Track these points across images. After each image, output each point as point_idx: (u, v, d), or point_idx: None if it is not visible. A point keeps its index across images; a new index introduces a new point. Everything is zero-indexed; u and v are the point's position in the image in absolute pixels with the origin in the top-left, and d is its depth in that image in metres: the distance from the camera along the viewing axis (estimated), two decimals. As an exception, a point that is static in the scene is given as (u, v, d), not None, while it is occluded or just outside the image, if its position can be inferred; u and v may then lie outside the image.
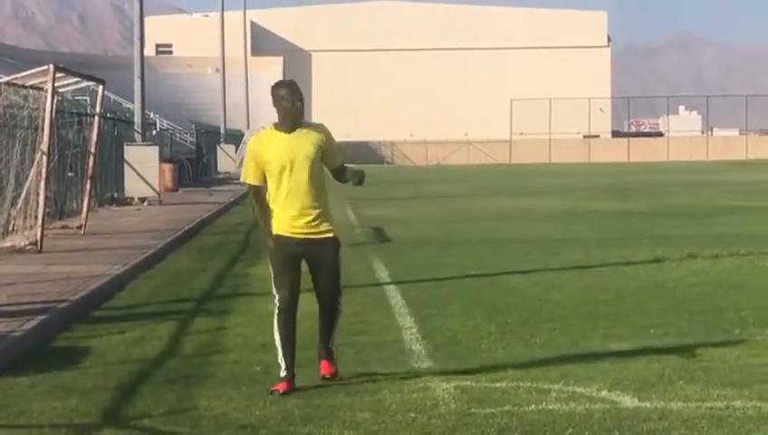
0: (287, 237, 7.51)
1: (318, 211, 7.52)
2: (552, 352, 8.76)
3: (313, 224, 7.50)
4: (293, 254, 7.53)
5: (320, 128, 7.67)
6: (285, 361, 7.51)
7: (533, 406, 6.99)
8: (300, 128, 7.52)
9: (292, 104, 7.45)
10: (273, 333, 7.62)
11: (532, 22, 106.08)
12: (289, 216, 7.48)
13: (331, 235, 7.58)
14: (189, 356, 8.90)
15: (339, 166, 7.78)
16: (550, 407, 6.98)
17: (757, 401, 7.10)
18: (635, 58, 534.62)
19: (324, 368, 7.73)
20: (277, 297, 7.58)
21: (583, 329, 9.81)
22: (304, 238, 7.50)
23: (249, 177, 7.61)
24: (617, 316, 10.53)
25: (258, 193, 7.64)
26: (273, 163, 7.45)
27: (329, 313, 7.72)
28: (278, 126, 7.55)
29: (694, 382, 7.61)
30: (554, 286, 12.73)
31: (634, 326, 9.94)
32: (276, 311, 7.57)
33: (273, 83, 7.58)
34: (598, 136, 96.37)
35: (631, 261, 15.32)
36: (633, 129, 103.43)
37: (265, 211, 7.59)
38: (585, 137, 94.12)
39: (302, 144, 7.49)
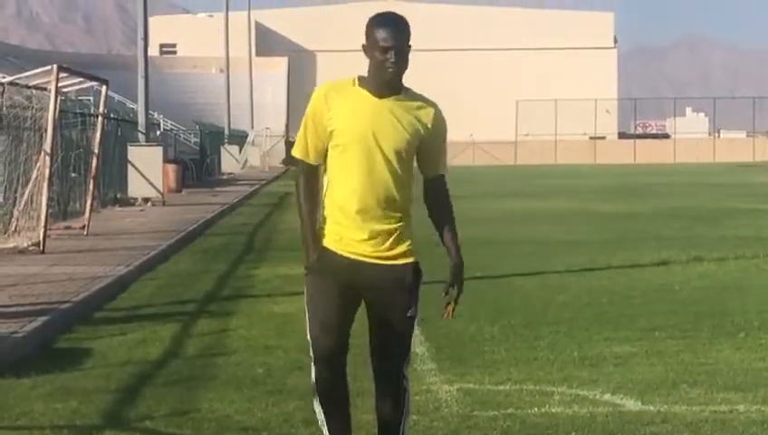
0: (342, 256, 4.93)
1: (397, 226, 4.94)
2: (555, 354, 8.74)
3: (387, 243, 4.94)
4: (348, 283, 4.94)
5: (432, 107, 4.98)
6: None
7: (537, 409, 6.97)
8: (399, 94, 4.89)
9: (396, 54, 4.78)
10: (312, 402, 5.22)
11: (537, 22, 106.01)
12: (351, 224, 4.90)
13: (411, 259, 5.01)
14: (192, 358, 8.87)
15: (438, 175, 5.09)
16: (553, 410, 6.95)
17: (761, 405, 7.07)
18: (642, 59, 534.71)
19: None
20: (314, 347, 5.02)
21: (588, 331, 9.78)
22: (369, 262, 4.93)
23: (299, 149, 4.99)
24: (621, 319, 10.50)
25: (309, 176, 5.02)
26: (342, 136, 4.84)
27: (391, 392, 5.11)
28: (365, 81, 4.89)
29: (698, 386, 7.58)
30: (559, 288, 12.70)
31: (638, 329, 9.91)
32: (314, 373, 5.06)
33: (370, 17, 4.90)
34: (604, 137, 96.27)
35: (637, 263, 15.29)
36: (639, 130, 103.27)
37: (314, 207, 5.04)
38: (591, 138, 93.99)
39: (398, 119, 4.85)
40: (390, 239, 4.94)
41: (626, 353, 8.76)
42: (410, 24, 4.92)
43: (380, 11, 4.93)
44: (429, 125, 4.92)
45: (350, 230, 4.91)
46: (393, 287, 4.98)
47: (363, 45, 4.83)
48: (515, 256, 16.44)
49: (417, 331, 9.70)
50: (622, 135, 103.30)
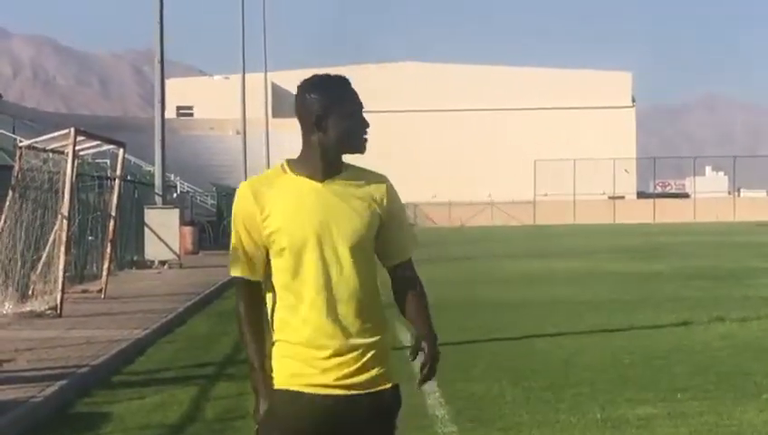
0: (307, 396, 3.74)
1: (372, 340, 3.81)
2: (578, 416, 8.64)
3: (360, 364, 3.77)
4: (313, 429, 3.76)
5: (383, 181, 3.96)
6: None
7: (559, 473, 6.87)
8: (341, 172, 3.89)
9: (350, 119, 3.83)
10: None
11: (555, 82, 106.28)
12: (310, 349, 3.73)
13: (389, 385, 3.84)
14: (211, 422, 8.81)
15: (404, 262, 4.05)
16: (575, 474, 6.85)
17: (788, 468, 6.95)
18: (661, 118, 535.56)
19: None
20: None
21: (609, 393, 9.68)
22: (343, 395, 3.75)
23: (238, 266, 3.91)
24: (643, 380, 10.40)
25: (255, 298, 3.90)
26: (285, 238, 3.76)
27: None
28: (298, 166, 3.85)
29: (722, 449, 7.47)
30: (580, 350, 12.60)
31: (661, 390, 9.80)
32: None
33: (309, 83, 3.84)
34: (623, 197, 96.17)
35: (657, 324, 15.17)
36: (659, 189, 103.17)
37: (263, 339, 3.85)
38: (610, 198, 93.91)
39: (350, 204, 3.82)
40: (365, 358, 3.76)
41: (648, 415, 8.66)
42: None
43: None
44: (385, 202, 3.88)
45: (308, 358, 3.72)
46: (376, 419, 3.81)
47: (301, 119, 3.83)
48: (535, 317, 16.34)
49: (437, 393, 9.66)
50: (641, 194, 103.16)
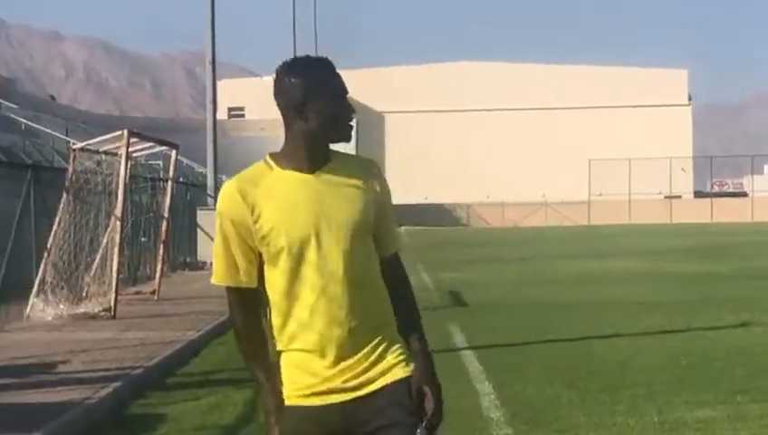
0: (318, 409, 3.45)
1: (380, 336, 3.52)
2: (635, 419, 8.52)
3: (370, 364, 3.49)
4: None
5: (372, 164, 3.67)
6: None
7: (616, 477, 6.76)
8: (330, 161, 3.55)
9: (334, 105, 3.50)
10: None
11: (610, 80, 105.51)
12: (322, 358, 3.44)
13: (403, 373, 3.53)
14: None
15: (391, 255, 3.66)
16: (633, 478, 6.74)
17: None
18: (718, 116, 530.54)
19: None
20: None
21: (667, 395, 9.54)
22: (352, 400, 3.46)
23: (226, 275, 3.54)
24: (702, 382, 10.25)
25: (252, 308, 3.58)
26: (280, 237, 3.43)
27: None
28: (283, 159, 3.53)
29: (784, 452, 7.32)
30: (637, 351, 12.46)
31: (720, 392, 9.65)
32: None
33: (288, 66, 3.53)
34: (679, 196, 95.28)
35: (716, 325, 14.96)
36: (716, 189, 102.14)
37: (267, 355, 3.57)
38: (666, 197, 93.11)
39: (343, 193, 3.51)
40: (374, 355, 3.48)
41: (707, 418, 8.52)
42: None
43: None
44: (377, 187, 3.58)
45: (316, 366, 3.43)
46: (394, 410, 3.47)
47: (282, 107, 3.54)
48: (591, 318, 16.20)
49: (492, 395, 9.58)
50: (698, 193, 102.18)
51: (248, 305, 3.55)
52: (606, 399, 9.41)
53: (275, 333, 3.50)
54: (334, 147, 3.57)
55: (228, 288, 3.55)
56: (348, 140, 3.50)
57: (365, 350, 3.46)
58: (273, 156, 3.54)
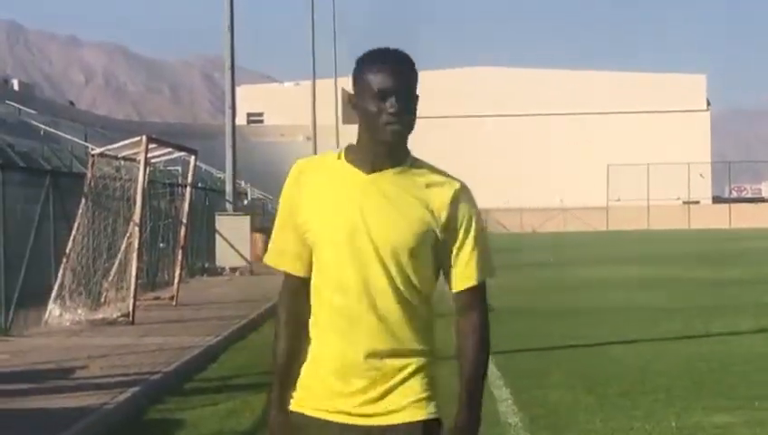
0: (315, 421, 3.16)
1: (405, 363, 3.13)
2: (653, 424, 8.51)
3: (384, 393, 3.11)
4: None
5: (452, 185, 3.19)
6: None
7: (634, 483, 6.74)
8: (401, 165, 3.18)
9: (399, 101, 3.12)
10: None
11: (628, 86, 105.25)
12: (334, 369, 3.13)
13: (425, 413, 3.14)
14: (282, 429, 8.78)
15: (465, 290, 3.21)
16: (651, 484, 6.72)
17: None
18: (736, 121, 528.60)
19: None
20: None
21: (685, 400, 9.52)
22: (353, 425, 3.12)
23: (279, 256, 3.31)
24: (720, 387, 10.21)
25: (297, 297, 3.27)
26: (315, 233, 3.17)
27: None
28: (352, 153, 3.22)
29: (803, 458, 7.29)
30: (656, 356, 12.43)
31: (738, 398, 9.61)
32: None
33: (360, 57, 3.18)
34: (698, 202, 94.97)
35: (735, 331, 14.91)
36: (735, 194, 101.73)
37: (299, 345, 3.27)
38: (685, 203, 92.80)
39: (394, 203, 3.12)
40: (394, 382, 3.10)
41: (725, 423, 8.49)
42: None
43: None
44: (445, 212, 3.11)
45: (328, 378, 3.12)
46: None
47: (351, 99, 3.18)
48: (610, 324, 16.16)
49: (510, 400, 9.55)
50: (717, 199, 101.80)
51: (292, 296, 3.28)
52: (624, 404, 9.39)
53: (311, 326, 3.21)
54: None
55: (284, 274, 3.30)
56: (387, 145, 3.12)
57: (381, 377, 3.09)
58: (348, 147, 3.23)
